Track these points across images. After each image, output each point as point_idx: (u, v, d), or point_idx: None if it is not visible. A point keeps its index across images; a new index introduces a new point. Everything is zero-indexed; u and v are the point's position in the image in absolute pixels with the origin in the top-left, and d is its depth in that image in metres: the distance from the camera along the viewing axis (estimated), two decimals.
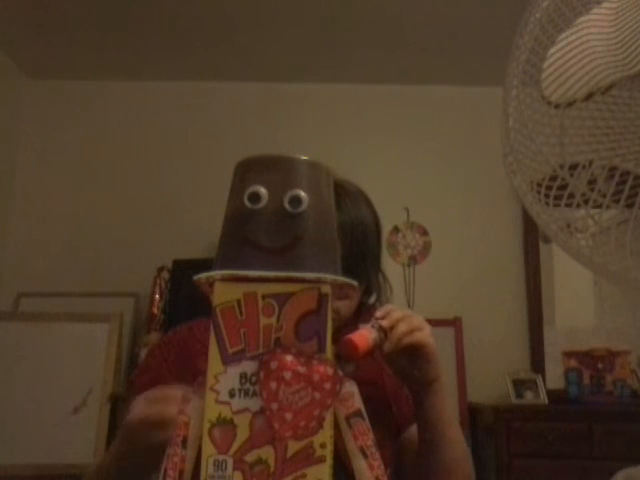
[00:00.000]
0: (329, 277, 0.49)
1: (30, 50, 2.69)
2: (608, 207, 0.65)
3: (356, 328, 0.95)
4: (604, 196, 0.65)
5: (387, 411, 0.91)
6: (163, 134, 2.88)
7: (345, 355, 0.58)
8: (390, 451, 0.89)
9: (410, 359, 0.75)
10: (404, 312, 0.73)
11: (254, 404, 0.48)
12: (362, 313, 0.94)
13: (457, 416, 0.85)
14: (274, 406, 0.46)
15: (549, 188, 0.69)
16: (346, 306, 0.86)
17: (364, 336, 0.64)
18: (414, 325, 0.73)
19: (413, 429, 0.91)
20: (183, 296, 2.36)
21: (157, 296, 2.46)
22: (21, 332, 2.37)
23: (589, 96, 0.65)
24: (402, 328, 0.71)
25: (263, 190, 0.50)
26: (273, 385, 0.47)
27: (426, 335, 0.74)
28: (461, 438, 0.84)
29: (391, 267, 2.68)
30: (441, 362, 0.77)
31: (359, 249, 0.87)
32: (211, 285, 0.50)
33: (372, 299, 0.97)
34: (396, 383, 0.97)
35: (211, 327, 0.50)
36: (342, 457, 0.52)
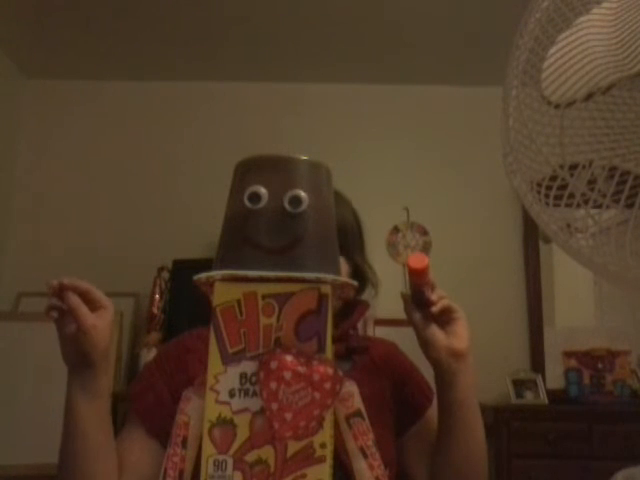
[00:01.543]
0: (329, 277, 0.49)
1: (30, 50, 2.69)
2: (608, 207, 0.65)
3: (349, 325, 0.95)
4: (604, 196, 0.65)
5: (385, 409, 0.91)
6: (163, 134, 2.88)
7: (410, 264, 0.74)
8: (391, 451, 0.88)
9: (444, 327, 0.81)
10: None
11: (254, 404, 0.48)
12: (353, 309, 0.94)
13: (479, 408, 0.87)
14: (274, 406, 0.46)
15: (549, 188, 0.69)
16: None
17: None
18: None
19: (429, 417, 0.91)
20: (183, 296, 2.35)
21: (157, 296, 2.46)
22: (21, 332, 2.37)
23: (589, 96, 0.65)
24: (443, 292, 0.82)
25: (263, 190, 0.50)
26: (273, 385, 0.46)
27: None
28: (482, 426, 0.85)
29: (391, 267, 2.68)
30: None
31: (344, 239, 0.88)
32: (211, 285, 0.50)
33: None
34: (410, 366, 0.97)
35: (211, 327, 0.49)
36: (342, 457, 0.52)
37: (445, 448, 0.84)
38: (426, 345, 0.81)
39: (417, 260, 0.74)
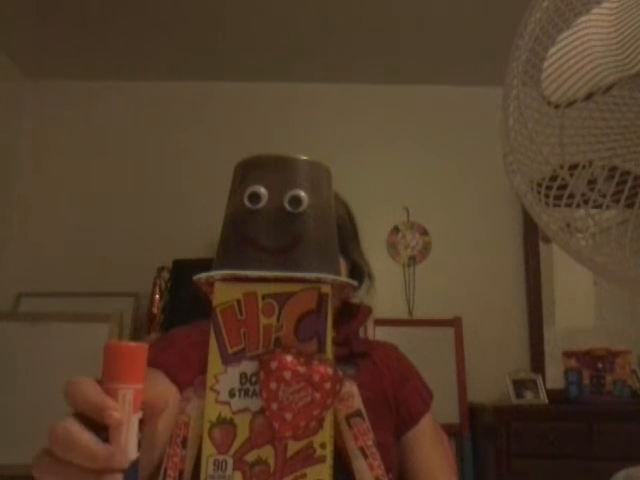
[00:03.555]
0: (329, 277, 0.49)
1: (30, 50, 2.69)
2: (608, 207, 0.65)
3: (350, 329, 0.94)
4: (604, 196, 0.65)
5: (388, 413, 0.91)
6: (163, 134, 2.88)
7: None
8: (392, 454, 0.88)
9: None
10: None
11: (254, 404, 0.48)
12: (357, 313, 0.94)
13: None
14: (274, 406, 0.46)
15: (549, 188, 0.69)
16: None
17: None
18: None
19: (421, 429, 0.90)
20: (183, 296, 2.35)
21: (157, 296, 2.46)
22: (21, 332, 2.37)
23: (589, 96, 0.65)
24: None
25: (263, 190, 0.50)
26: (273, 385, 0.46)
27: None
28: None
29: (391, 267, 2.68)
30: None
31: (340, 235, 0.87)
32: (211, 285, 0.50)
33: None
34: (410, 368, 0.97)
35: (211, 327, 0.49)
36: (342, 457, 0.52)
37: None
38: None
39: None
